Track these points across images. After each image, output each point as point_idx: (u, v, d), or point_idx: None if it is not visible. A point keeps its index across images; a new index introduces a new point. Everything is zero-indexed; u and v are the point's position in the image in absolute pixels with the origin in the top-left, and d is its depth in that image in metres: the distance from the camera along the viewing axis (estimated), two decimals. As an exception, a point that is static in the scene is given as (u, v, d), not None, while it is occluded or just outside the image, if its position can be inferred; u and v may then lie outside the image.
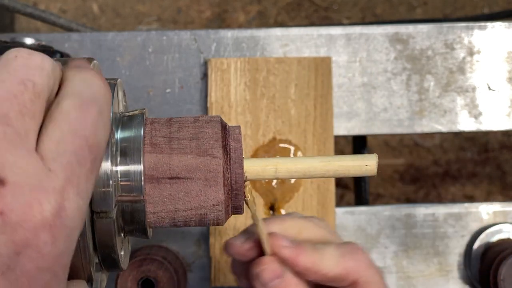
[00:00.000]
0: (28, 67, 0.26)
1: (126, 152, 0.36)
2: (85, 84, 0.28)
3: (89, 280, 0.35)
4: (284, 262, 0.42)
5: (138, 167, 0.35)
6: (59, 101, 0.27)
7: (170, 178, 0.36)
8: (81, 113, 0.27)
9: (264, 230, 0.42)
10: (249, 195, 0.38)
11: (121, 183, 0.35)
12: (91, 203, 0.34)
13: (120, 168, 0.35)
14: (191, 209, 0.36)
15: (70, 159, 0.26)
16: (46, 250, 0.24)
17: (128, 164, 0.35)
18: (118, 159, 0.35)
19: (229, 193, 0.37)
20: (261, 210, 0.66)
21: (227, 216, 0.38)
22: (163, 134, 0.36)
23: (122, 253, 0.38)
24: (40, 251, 0.24)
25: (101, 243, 0.35)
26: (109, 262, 0.37)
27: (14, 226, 0.23)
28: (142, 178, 0.35)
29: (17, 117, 0.25)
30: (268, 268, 0.41)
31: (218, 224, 0.37)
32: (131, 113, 0.39)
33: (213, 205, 0.36)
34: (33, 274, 0.24)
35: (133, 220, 0.36)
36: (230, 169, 0.37)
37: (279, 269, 0.42)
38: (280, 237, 0.42)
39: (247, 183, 0.39)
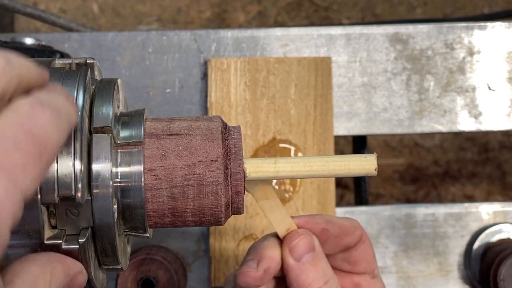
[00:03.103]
0: None
1: (128, 127, 0.37)
2: (48, 94, 0.29)
3: (89, 281, 0.35)
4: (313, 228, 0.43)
5: (139, 126, 0.36)
6: (15, 99, 0.27)
7: (170, 135, 0.36)
8: (33, 110, 0.27)
9: (282, 209, 0.41)
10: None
11: (121, 150, 0.36)
12: (92, 210, 0.34)
13: (121, 134, 0.36)
14: (189, 165, 0.36)
15: (7, 145, 0.25)
16: None
17: (129, 126, 0.37)
18: (120, 127, 0.36)
19: (228, 154, 0.37)
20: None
21: (227, 192, 0.37)
22: (163, 118, 0.38)
23: (122, 253, 0.38)
24: None
25: (101, 242, 0.35)
26: (109, 262, 0.37)
27: None
28: (142, 133, 0.36)
29: None
30: (303, 239, 0.41)
31: (217, 224, 0.37)
32: (129, 111, 0.39)
33: (212, 160, 0.36)
34: None
35: (130, 195, 0.36)
36: (228, 134, 0.38)
37: (312, 241, 0.42)
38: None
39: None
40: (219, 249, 0.66)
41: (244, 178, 0.37)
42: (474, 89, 0.70)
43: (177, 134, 0.36)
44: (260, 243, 0.43)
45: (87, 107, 0.35)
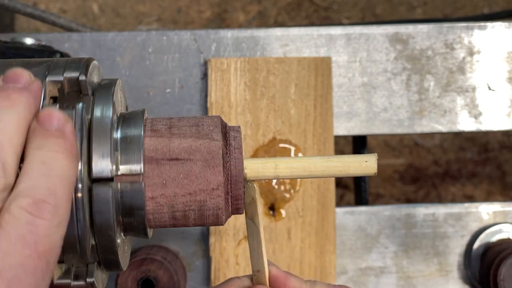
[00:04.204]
0: None
1: (126, 142, 0.36)
2: (43, 170, 0.28)
3: (90, 281, 0.35)
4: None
5: (138, 150, 0.35)
6: (10, 203, 0.27)
7: (170, 160, 0.35)
8: (32, 217, 0.27)
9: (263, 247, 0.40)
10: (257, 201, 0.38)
11: (120, 166, 0.35)
12: (92, 214, 0.34)
13: (121, 153, 0.35)
14: (190, 193, 0.36)
15: (17, 272, 0.26)
16: None
17: (128, 149, 0.36)
18: (119, 147, 0.36)
19: (229, 178, 0.37)
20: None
21: (227, 211, 0.37)
22: (163, 122, 0.37)
23: (122, 253, 0.38)
24: None
25: (101, 244, 0.35)
26: (109, 262, 0.37)
27: None
28: (142, 158, 0.35)
29: None
30: None
31: (218, 221, 0.37)
32: (130, 111, 0.39)
33: (213, 188, 0.36)
34: None
35: (132, 211, 0.36)
36: (229, 154, 0.37)
37: None
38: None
39: (255, 183, 0.38)
40: (219, 249, 0.66)
41: (244, 181, 0.37)
42: (474, 89, 0.70)
43: (177, 159, 0.36)
44: (233, 281, 0.43)
45: (85, 151, 0.34)
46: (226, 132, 0.38)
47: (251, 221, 0.39)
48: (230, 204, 0.37)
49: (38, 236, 0.27)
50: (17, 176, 0.29)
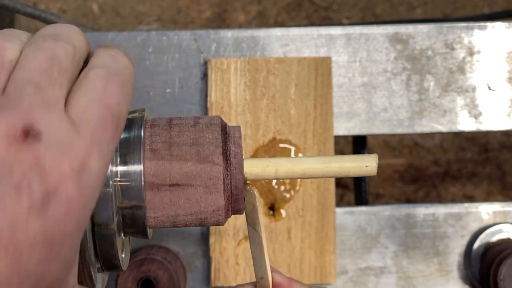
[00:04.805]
0: (54, 49, 0.30)
1: (126, 160, 0.35)
2: (110, 58, 0.32)
3: (91, 282, 0.35)
4: None
5: (138, 175, 0.35)
6: (86, 72, 0.30)
7: (171, 185, 0.36)
8: (106, 83, 0.30)
9: (265, 250, 0.40)
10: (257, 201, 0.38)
11: (121, 186, 0.35)
12: (92, 217, 0.34)
13: (121, 173, 0.35)
14: (191, 214, 0.36)
15: (95, 125, 0.29)
16: (73, 199, 0.27)
17: (128, 171, 0.35)
18: (118, 165, 0.35)
19: (229, 198, 0.37)
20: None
21: (227, 218, 0.38)
22: (163, 139, 0.36)
23: (122, 255, 0.38)
24: (68, 200, 0.27)
25: (102, 249, 0.35)
26: (110, 264, 0.37)
27: (47, 173, 0.26)
28: (143, 185, 0.35)
29: (48, 86, 0.28)
30: None
31: (218, 225, 0.38)
32: (130, 116, 0.38)
33: (213, 210, 0.36)
34: (62, 219, 0.27)
35: (134, 223, 0.36)
36: (230, 175, 0.36)
37: None
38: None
39: (255, 190, 0.38)
40: (219, 249, 0.66)
41: (244, 183, 0.37)
42: (474, 89, 0.70)
43: (178, 185, 0.36)
44: None
45: None
46: (226, 149, 0.37)
47: (253, 228, 0.39)
48: (230, 214, 0.37)
49: (111, 99, 0.30)
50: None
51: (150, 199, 0.36)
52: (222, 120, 0.38)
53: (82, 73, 0.31)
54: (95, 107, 0.29)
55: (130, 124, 0.37)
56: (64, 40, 0.31)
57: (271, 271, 0.41)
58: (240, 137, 0.37)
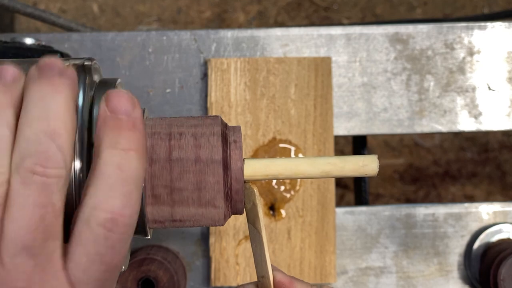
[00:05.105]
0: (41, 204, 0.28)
1: None
2: (119, 177, 0.28)
3: None
4: None
5: (140, 218, 0.36)
6: (90, 217, 0.28)
7: (173, 221, 0.37)
8: (110, 234, 0.28)
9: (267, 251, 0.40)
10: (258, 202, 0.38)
11: None
12: None
13: None
14: (192, 226, 0.38)
15: (95, 286, 0.28)
16: None
17: None
18: None
19: (229, 200, 0.37)
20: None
21: (227, 219, 0.38)
22: (163, 183, 0.36)
23: None
24: None
25: None
26: None
27: None
28: (146, 222, 0.36)
29: (42, 243, 0.27)
30: None
31: (218, 224, 0.38)
32: None
33: (213, 224, 0.38)
34: None
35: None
36: (230, 178, 0.36)
37: None
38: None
39: (254, 188, 0.38)
40: (219, 249, 0.66)
41: (244, 183, 0.37)
42: (474, 89, 0.70)
43: (180, 221, 0.37)
44: None
45: (85, 115, 0.34)
46: (226, 139, 0.37)
47: (253, 226, 0.39)
48: (230, 205, 0.37)
49: (110, 256, 0.28)
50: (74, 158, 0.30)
51: (151, 226, 0.37)
52: (222, 122, 0.38)
53: (85, 216, 0.28)
54: (95, 267, 0.28)
55: None
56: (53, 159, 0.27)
57: (273, 270, 0.41)
58: (240, 139, 0.37)
